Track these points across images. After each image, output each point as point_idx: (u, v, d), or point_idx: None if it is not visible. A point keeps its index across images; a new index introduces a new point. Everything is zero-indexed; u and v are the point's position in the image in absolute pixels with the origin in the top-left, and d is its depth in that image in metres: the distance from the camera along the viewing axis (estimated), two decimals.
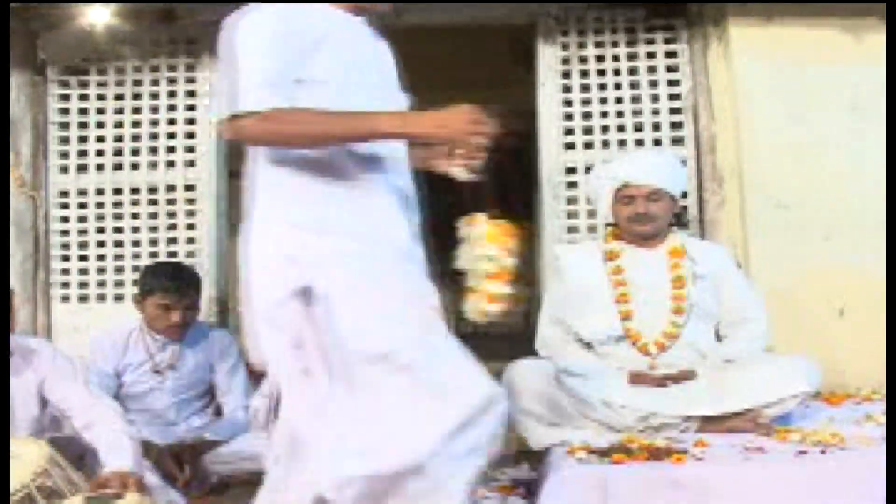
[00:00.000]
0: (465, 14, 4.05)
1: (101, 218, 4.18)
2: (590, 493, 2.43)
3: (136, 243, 4.15)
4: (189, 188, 4.15)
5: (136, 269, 4.01)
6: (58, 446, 2.52)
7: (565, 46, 4.14)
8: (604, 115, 4.10)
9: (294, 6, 2.03)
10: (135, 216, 4.16)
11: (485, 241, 2.02)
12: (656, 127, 4.08)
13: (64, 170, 4.21)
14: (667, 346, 3.18)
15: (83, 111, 4.22)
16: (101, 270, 4.16)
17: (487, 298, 2.01)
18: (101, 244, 4.17)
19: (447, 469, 1.85)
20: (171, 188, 4.16)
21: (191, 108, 4.18)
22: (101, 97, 4.22)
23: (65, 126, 4.22)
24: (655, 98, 4.08)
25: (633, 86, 4.10)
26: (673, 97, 4.08)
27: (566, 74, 4.13)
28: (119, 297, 4.11)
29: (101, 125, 4.21)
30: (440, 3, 3.93)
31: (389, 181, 2.08)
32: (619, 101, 4.10)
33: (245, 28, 2.00)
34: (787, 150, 3.89)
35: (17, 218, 4.12)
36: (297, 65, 1.98)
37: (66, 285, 4.17)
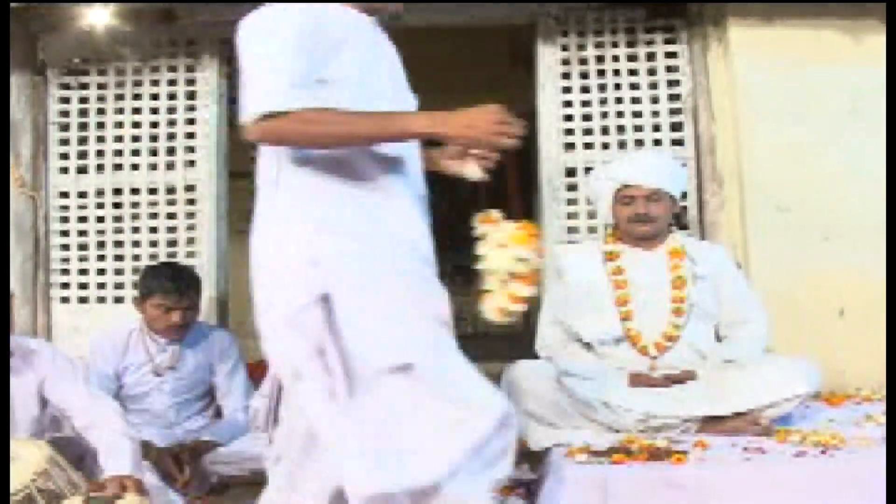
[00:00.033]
0: (465, 15, 4.05)
1: (101, 219, 4.18)
2: (590, 494, 2.43)
3: (136, 244, 4.15)
4: (189, 189, 4.15)
5: (136, 270, 4.01)
6: (58, 447, 2.52)
7: (565, 47, 4.14)
8: (604, 115, 4.10)
9: (313, 6, 2.01)
10: (135, 217, 4.16)
11: (513, 242, 2.03)
12: (656, 128, 4.08)
13: (64, 171, 4.21)
14: (667, 346, 3.18)
15: (83, 112, 4.22)
16: (101, 271, 4.16)
17: (514, 299, 2.02)
18: (101, 245, 4.17)
19: (469, 483, 1.86)
20: (171, 189, 4.16)
21: (191, 108, 4.19)
22: (101, 98, 4.22)
23: (65, 127, 4.23)
24: (655, 99, 4.09)
25: (633, 87, 4.11)
26: (673, 98, 4.08)
27: (566, 75, 4.13)
28: (119, 299, 4.11)
29: (101, 126, 4.21)
30: (439, 4, 3.93)
31: (408, 182, 2.08)
32: (619, 101, 4.10)
33: (267, 27, 1.97)
34: (787, 151, 3.90)
35: (17, 219, 4.12)
36: (321, 65, 1.96)
37: (66, 286, 4.17)
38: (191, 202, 4.14)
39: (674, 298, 3.21)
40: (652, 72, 4.10)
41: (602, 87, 4.11)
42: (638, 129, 4.08)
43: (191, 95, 4.20)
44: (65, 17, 4.01)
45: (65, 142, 4.22)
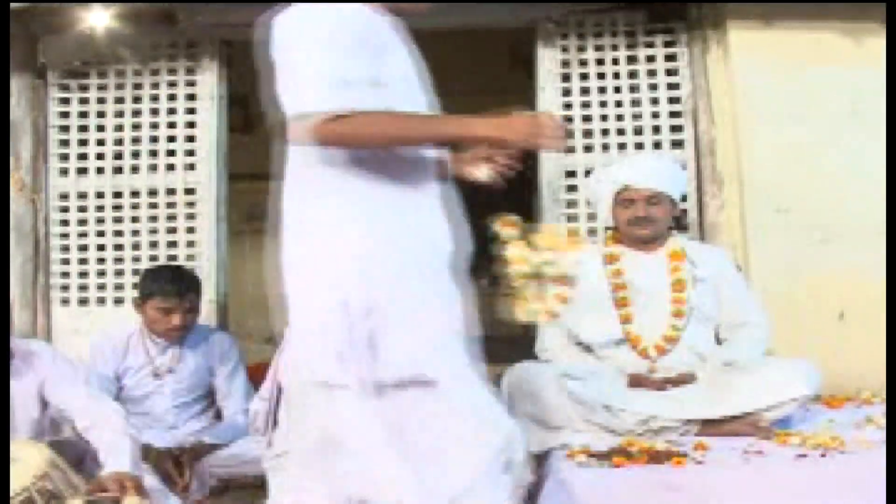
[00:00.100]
0: (465, 18, 4.05)
1: (101, 221, 4.18)
2: (589, 497, 2.43)
3: (135, 246, 4.15)
4: (189, 191, 4.15)
5: (136, 272, 4.01)
6: (58, 449, 2.51)
7: (565, 50, 4.14)
8: (603, 118, 4.10)
9: (353, 6, 1.97)
10: (135, 219, 4.16)
11: (545, 246, 2.04)
12: (656, 130, 4.08)
13: (64, 173, 4.21)
14: (667, 349, 3.18)
15: (83, 114, 4.22)
16: (101, 273, 4.16)
17: (560, 300, 2.04)
18: (100, 247, 4.17)
19: (490, 493, 1.90)
20: (171, 191, 4.16)
21: (191, 111, 4.19)
22: (101, 100, 4.22)
23: (65, 129, 4.23)
24: (655, 101, 4.09)
25: (633, 89, 4.10)
26: (673, 100, 4.08)
27: (566, 78, 4.13)
28: (119, 301, 4.11)
29: (101, 128, 4.21)
30: (440, 6, 3.92)
31: (438, 185, 2.07)
32: (618, 104, 4.10)
33: (310, 27, 1.92)
34: (787, 153, 3.89)
35: (16, 221, 4.12)
36: (374, 66, 1.93)
37: (65, 288, 4.17)
38: (191, 204, 4.14)
39: (674, 301, 3.21)
40: (652, 74, 4.10)
41: (602, 90, 4.11)
42: (638, 131, 4.08)
43: (191, 97, 4.20)
44: (65, 19, 4.01)
45: (65, 144, 4.23)
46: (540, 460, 2.91)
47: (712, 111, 4.02)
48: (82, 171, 4.20)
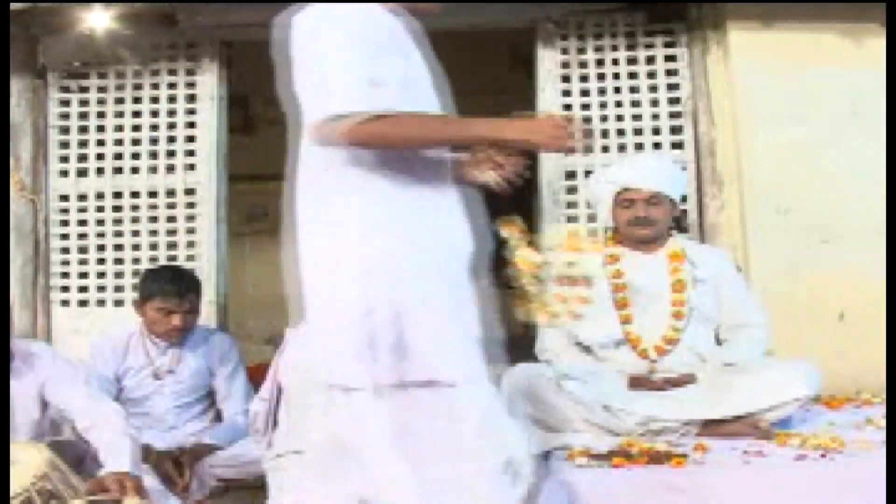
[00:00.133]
0: (465, 19, 4.05)
1: (101, 222, 4.18)
2: (590, 497, 2.43)
3: (135, 247, 4.15)
4: (189, 192, 4.15)
5: (136, 273, 4.01)
6: (58, 450, 2.51)
7: (565, 51, 4.14)
8: (604, 119, 4.10)
9: (372, 6, 1.96)
10: (135, 220, 4.16)
11: (564, 248, 2.04)
12: (656, 131, 4.08)
13: (64, 174, 4.21)
14: (667, 350, 3.18)
15: (83, 115, 4.22)
16: (101, 274, 4.16)
17: (581, 300, 2.05)
18: (100, 248, 4.17)
19: (502, 496, 1.91)
20: (171, 192, 4.16)
21: (191, 111, 4.19)
22: (101, 101, 4.22)
23: (65, 130, 4.23)
24: (655, 102, 4.09)
25: (633, 90, 4.11)
26: (672, 101, 4.08)
27: (566, 79, 4.13)
28: (119, 302, 4.11)
29: (101, 129, 4.21)
30: (439, 7, 3.92)
31: (454, 186, 2.06)
32: (618, 105, 4.10)
33: (334, 28, 1.90)
34: (787, 154, 3.90)
35: (17, 222, 4.12)
36: (394, 66, 1.93)
37: (65, 289, 4.17)
38: (191, 205, 4.15)
39: (674, 302, 3.21)
40: (651, 75, 4.10)
41: (602, 91, 4.11)
42: (638, 132, 4.08)
43: (191, 98, 4.20)
44: (65, 20, 4.01)
45: (65, 145, 4.23)
46: (540, 461, 2.91)
47: (712, 112, 4.03)
48: (82, 171, 4.20)
